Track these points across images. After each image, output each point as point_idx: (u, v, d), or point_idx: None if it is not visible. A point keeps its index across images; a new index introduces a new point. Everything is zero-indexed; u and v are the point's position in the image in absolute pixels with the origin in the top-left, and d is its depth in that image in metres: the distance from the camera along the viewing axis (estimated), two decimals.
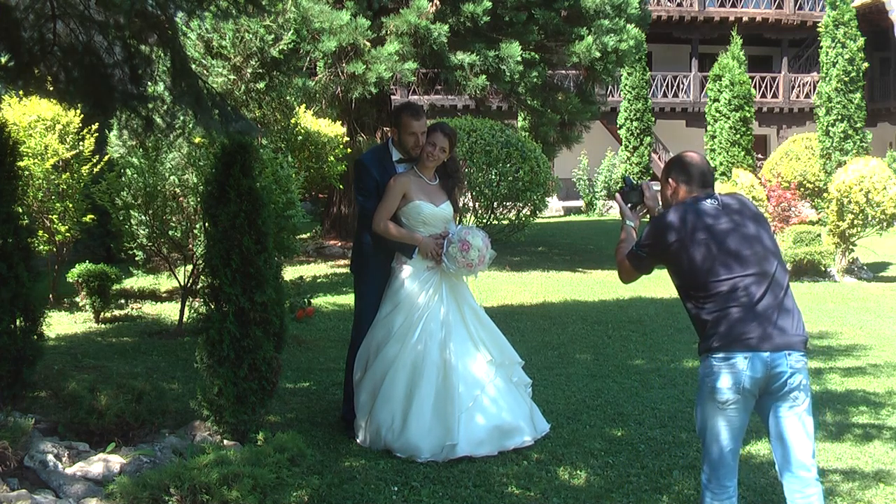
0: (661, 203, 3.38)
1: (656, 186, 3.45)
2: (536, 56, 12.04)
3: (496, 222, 12.36)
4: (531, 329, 7.71)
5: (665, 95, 27.05)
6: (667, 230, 3.10)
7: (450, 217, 4.61)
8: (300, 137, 10.97)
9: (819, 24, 14.97)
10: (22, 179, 4.65)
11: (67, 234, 8.03)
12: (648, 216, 3.45)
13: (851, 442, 4.70)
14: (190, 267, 6.90)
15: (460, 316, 4.43)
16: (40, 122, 7.67)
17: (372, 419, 4.36)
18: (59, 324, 7.20)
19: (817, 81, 18.89)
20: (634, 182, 3.47)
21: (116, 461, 3.65)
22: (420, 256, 4.46)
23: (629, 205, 3.46)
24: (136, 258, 7.01)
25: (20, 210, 4.37)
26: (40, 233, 7.79)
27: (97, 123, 7.86)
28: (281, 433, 3.66)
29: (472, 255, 4.38)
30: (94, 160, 8.10)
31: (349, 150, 11.81)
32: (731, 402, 2.99)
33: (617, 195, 3.50)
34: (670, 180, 3.23)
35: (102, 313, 7.52)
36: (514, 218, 12.52)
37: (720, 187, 12.21)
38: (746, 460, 4.35)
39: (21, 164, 4.67)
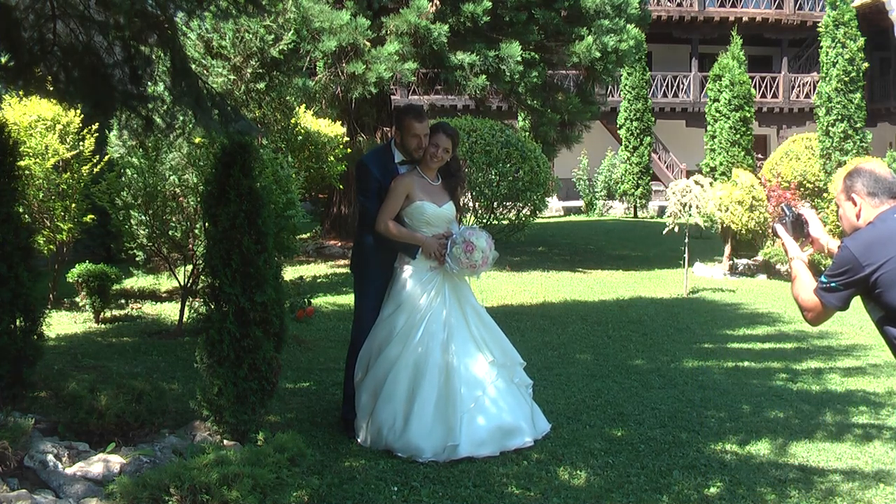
0: (844, 227, 2.90)
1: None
2: (536, 56, 12.04)
3: (496, 222, 12.36)
4: (531, 329, 7.70)
5: (665, 95, 27.06)
6: (873, 251, 2.68)
7: (452, 217, 4.61)
8: (300, 137, 10.96)
9: (819, 24, 14.92)
10: (22, 179, 4.65)
11: (67, 235, 8.02)
12: (811, 245, 3.08)
13: (851, 442, 4.70)
14: (190, 267, 6.90)
15: (462, 316, 4.44)
16: (40, 122, 7.66)
17: (373, 419, 4.36)
18: (59, 324, 7.20)
19: (817, 81, 18.89)
20: (793, 211, 3.09)
21: (116, 461, 3.65)
22: (423, 257, 4.46)
23: (792, 236, 3.07)
24: (136, 258, 7.01)
25: (20, 210, 4.37)
26: (46, 231, 7.79)
27: (97, 123, 7.84)
28: (281, 433, 3.66)
29: (476, 256, 4.39)
30: (94, 160, 8.09)
31: (349, 150, 11.81)
32: None
33: (778, 227, 3.09)
34: (855, 196, 2.81)
35: (102, 313, 7.51)
36: (514, 218, 12.53)
37: (720, 187, 12.21)
38: (746, 461, 4.35)
39: (21, 164, 4.66)
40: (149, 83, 4.42)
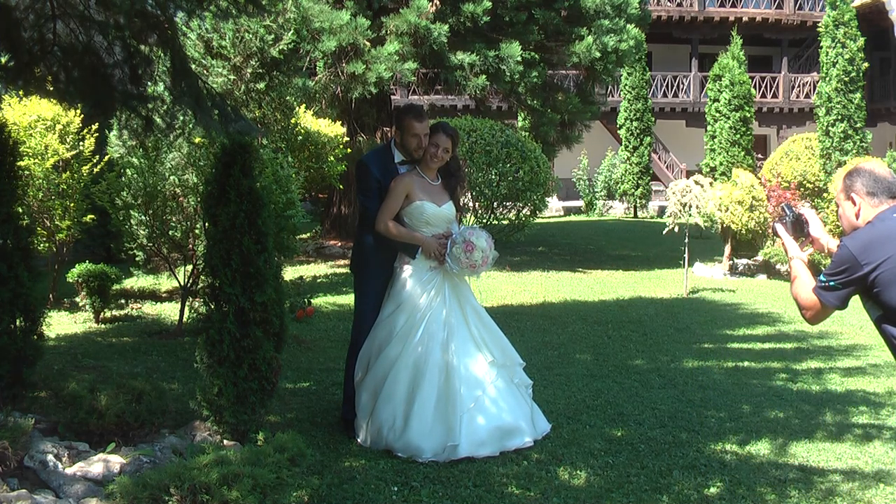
0: (844, 226, 2.93)
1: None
2: (536, 56, 12.04)
3: (496, 222, 12.36)
4: (531, 329, 7.70)
5: (665, 95, 27.07)
6: (871, 250, 2.70)
7: (452, 217, 4.61)
8: (300, 137, 10.96)
9: (819, 24, 14.92)
10: (22, 179, 4.65)
11: (67, 234, 8.02)
12: (811, 245, 3.11)
13: (851, 442, 4.70)
14: (190, 267, 6.90)
15: (462, 316, 4.44)
16: (40, 122, 7.66)
17: (373, 419, 4.36)
18: (59, 324, 7.20)
19: (817, 81, 18.90)
20: (794, 211, 3.12)
21: (116, 461, 3.65)
22: (423, 257, 4.46)
23: (793, 235, 3.09)
24: (136, 258, 7.01)
25: (20, 210, 4.37)
26: (40, 230, 7.79)
27: (97, 123, 7.85)
28: (281, 433, 3.66)
29: (476, 255, 4.39)
30: (94, 160, 8.09)
31: (349, 150, 11.81)
32: None
33: (778, 226, 3.12)
34: (854, 196, 2.83)
35: (102, 313, 7.51)
36: (514, 218, 12.52)
37: (720, 187, 12.21)
38: (746, 461, 4.35)
39: (21, 164, 4.67)
40: (149, 83, 4.42)
